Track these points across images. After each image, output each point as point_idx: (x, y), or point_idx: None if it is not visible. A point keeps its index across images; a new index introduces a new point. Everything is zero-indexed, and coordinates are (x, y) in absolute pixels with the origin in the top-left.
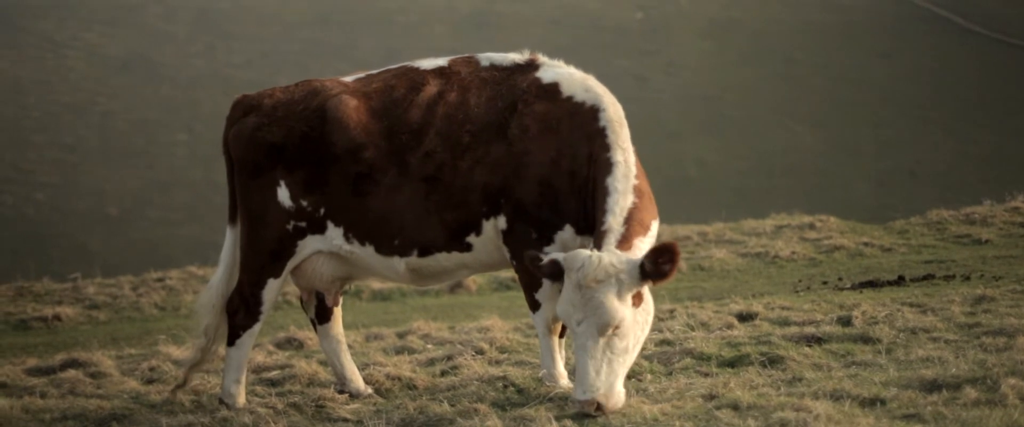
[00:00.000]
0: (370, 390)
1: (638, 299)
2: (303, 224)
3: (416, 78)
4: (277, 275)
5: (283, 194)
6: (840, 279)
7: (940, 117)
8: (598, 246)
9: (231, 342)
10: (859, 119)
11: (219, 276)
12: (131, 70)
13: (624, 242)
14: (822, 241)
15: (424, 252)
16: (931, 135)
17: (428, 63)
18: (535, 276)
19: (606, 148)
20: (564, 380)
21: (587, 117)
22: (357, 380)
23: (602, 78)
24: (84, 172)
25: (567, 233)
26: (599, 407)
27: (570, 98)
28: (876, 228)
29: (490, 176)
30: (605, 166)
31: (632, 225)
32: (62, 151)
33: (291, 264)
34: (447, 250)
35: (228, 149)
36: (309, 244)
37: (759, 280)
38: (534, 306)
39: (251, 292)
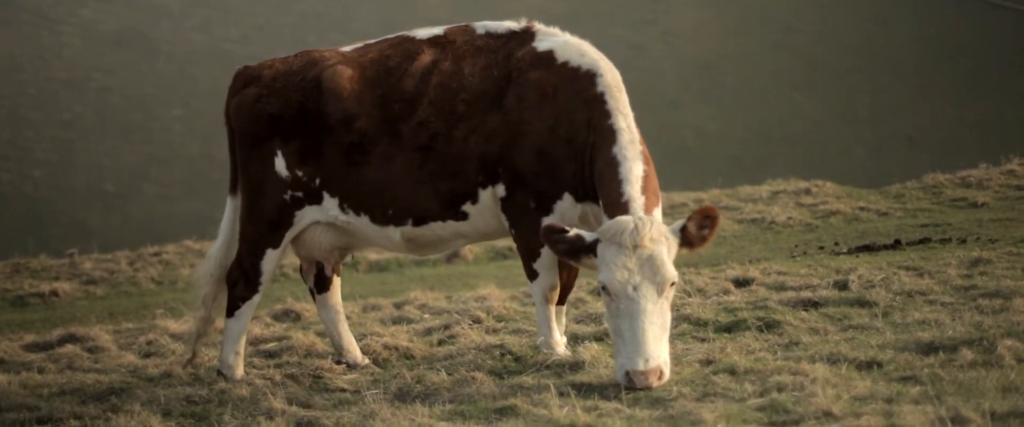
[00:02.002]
0: (367, 361)
1: None
2: (300, 194)
3: (411, 47)
4: (276, 246)
5: (280, 164)
6: (836, 244)
7: (938, 82)
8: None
9: (230, 313)
10: (857, 85)
11: (218, 246)
12: (127, 46)
13: (646, 212)
14: (818, 206)
15: (419, 221)
16: (929, 100)
17: (424, 32)
18: (534, 246)
19: (606, 115)
20: (561, 348)
21: (584, 83)
22: (354, 351)
23: (599, 47)
24: (81, 148)
25: (566, 202)
26: (661, 375)
27: (566, 64)
28: (872, 192)
29: (486, 145)
30: (608, 134)
31: (649, 195)
32: (59, 128)
33: (289, 235)
34: (442, 219)
35: (229, 120)
36: (306, 215)
37: (756, 246)
38: (532, 275)
39: (250, 263)
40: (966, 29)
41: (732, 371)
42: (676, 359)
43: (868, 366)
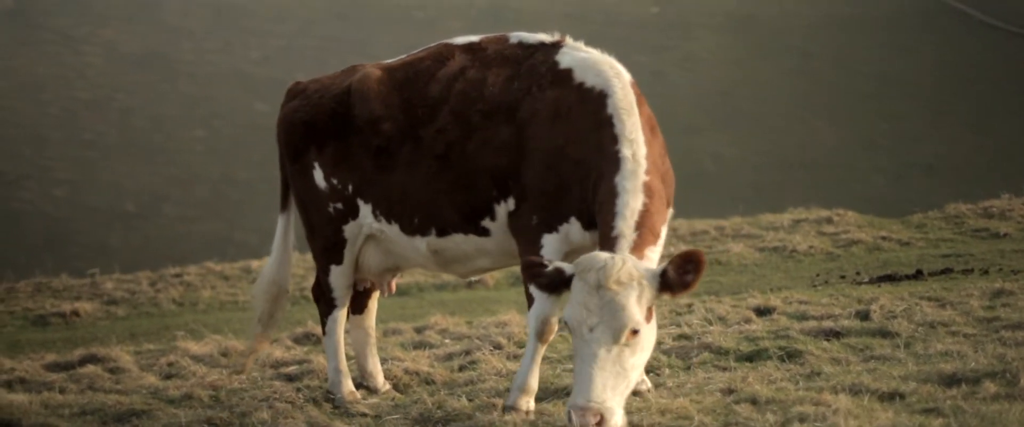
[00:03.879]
0: (388, 386)
1: (649, 315)
2: (340, 206)
3: (445, 53)
4: (338, 262)
5: (318, 176)
6: (858, 273)
7: (957, 110)
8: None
9: (323, 331)
10: (876, 113)
11: (270, 263)
12: (148, 66)
13: (636, 250)
14: (840, 235)
15: (442, 232)
16: (949, 129)
17: (462, 39)
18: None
19: (614, 140)
20: (524, 403)
21: (596, 103)
22: (378, 376)
23: None
24: (102, 168)
25: (574, 226)
26: (601, 421)
27: (581, 84)
28: (894, 222)
29: (496, 159)
30: (613, 161)
31: (644, 232)
32: (80, 148)
33: (348, 252)
34: (464, 232)
35: (277, 135)
36: (352, 230)
37: (777, 274)
38: (529, 301)
39: (322, 279)
40: (987, 57)
41: (754, 401)
42: (698, 388)
43: (890, 397)
